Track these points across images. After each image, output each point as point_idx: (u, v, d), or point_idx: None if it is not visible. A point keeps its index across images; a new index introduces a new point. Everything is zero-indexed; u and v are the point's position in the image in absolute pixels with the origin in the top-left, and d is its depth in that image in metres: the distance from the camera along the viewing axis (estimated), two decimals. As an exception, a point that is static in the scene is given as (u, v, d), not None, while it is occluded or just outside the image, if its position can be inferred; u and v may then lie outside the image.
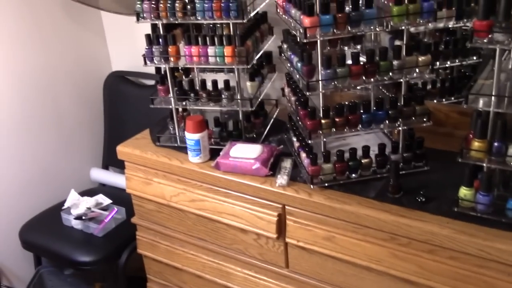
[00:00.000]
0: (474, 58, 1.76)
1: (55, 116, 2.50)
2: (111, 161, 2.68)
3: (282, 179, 1.60)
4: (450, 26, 1.70)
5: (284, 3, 1.59)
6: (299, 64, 1.51)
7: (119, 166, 2.61)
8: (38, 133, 2.44)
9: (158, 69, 1.94)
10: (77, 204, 2.30)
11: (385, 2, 1.54)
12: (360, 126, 1.51)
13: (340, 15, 1.38)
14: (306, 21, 1.37)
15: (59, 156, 2.55)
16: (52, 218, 2.35)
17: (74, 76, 2.56)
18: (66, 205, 2.32)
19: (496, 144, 1.27)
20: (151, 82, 2.55)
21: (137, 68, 2.51)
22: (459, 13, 1.65)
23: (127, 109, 2.58)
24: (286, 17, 1.58)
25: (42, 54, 2.39)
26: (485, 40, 1.19)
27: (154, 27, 1.79)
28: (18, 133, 2.36)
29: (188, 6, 1.65)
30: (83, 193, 2.42)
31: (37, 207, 2.42)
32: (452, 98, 1.83)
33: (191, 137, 1.72)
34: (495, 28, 1.17)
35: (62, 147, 2.56)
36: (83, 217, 2.25)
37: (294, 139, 1.71)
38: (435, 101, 1.82)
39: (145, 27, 1.79)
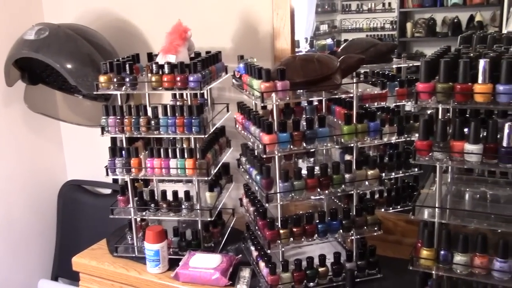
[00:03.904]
0: (416, 169, 1.93)
1: (4, 224, 2.44)
2: (61, 272, 2.59)
3: (241, 289, 1.62)
4: (392, 141, 1.87)
5: (243, 120, 1.71)
6: (258, 177, 1.60)
7: (69, 277, 2.55)
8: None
9: (115, 179, 1.97)
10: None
11: (335, 120, 1.70)
12: (316, 235, 1.59)
13: (296, 133, 1.50)
14: (266, 138, 1.48)
15: (6, 266, 2.45)
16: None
17: (28, 184, 2.54)
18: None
19: (442, 252, 1.37)
20: (107, 191, 2.56)
21: (93, 177, 2.52)
22: (400, 129, 1.83)
23: (82, 218, 2.55)
24: (245, 133, 1.70)
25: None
26: (426, 158, 1.33)
27: (114, 139, 1.85)
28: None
29: (153, 122, 1.74)
30: (29, 307, 2.32)
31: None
32: (398, 207, 1.96)
33: (150, 248, 1.73)
34: (434, 147, 1.32)
35: (10, 256, 2.47)
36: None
37: (253, 248, 1.75)
38: (382, 210, 1.94)
39: (103, 138, 1.82)
